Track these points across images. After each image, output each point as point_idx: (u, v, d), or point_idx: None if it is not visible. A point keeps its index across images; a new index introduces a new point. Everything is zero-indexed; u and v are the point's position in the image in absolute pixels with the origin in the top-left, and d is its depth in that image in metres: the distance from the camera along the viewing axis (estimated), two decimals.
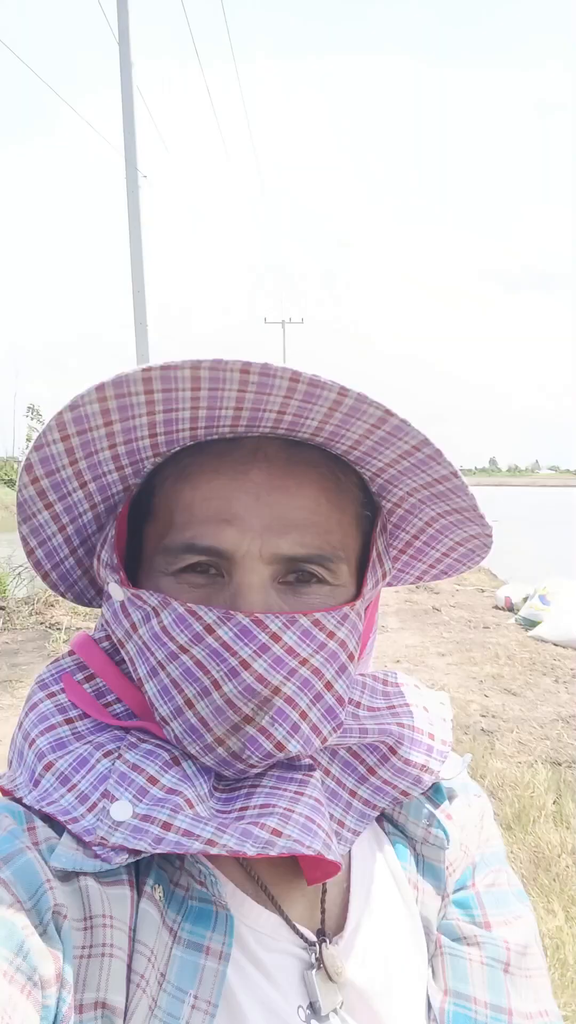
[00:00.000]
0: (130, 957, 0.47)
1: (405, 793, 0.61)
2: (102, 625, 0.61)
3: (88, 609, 7.58)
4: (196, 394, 0.47)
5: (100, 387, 0.45)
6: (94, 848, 0.48)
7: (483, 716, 4.62)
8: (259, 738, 0.51)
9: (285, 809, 0.51)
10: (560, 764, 3.95)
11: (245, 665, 0.51)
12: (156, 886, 0.50)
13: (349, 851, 0.60)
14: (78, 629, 6.93)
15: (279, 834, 0.49)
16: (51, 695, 0.57)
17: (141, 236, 11.14)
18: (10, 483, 36.60)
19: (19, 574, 9.01)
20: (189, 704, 0.52)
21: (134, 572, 0.60)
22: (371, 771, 0.60)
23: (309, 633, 0.53)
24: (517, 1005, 0.57)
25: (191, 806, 0.50)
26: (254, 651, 0.51)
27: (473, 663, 5.81)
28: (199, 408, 0.49)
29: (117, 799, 0.49)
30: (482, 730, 4.32)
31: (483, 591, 9.13)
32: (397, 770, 0.60)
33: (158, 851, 0.47)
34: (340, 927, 0.57)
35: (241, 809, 0.52)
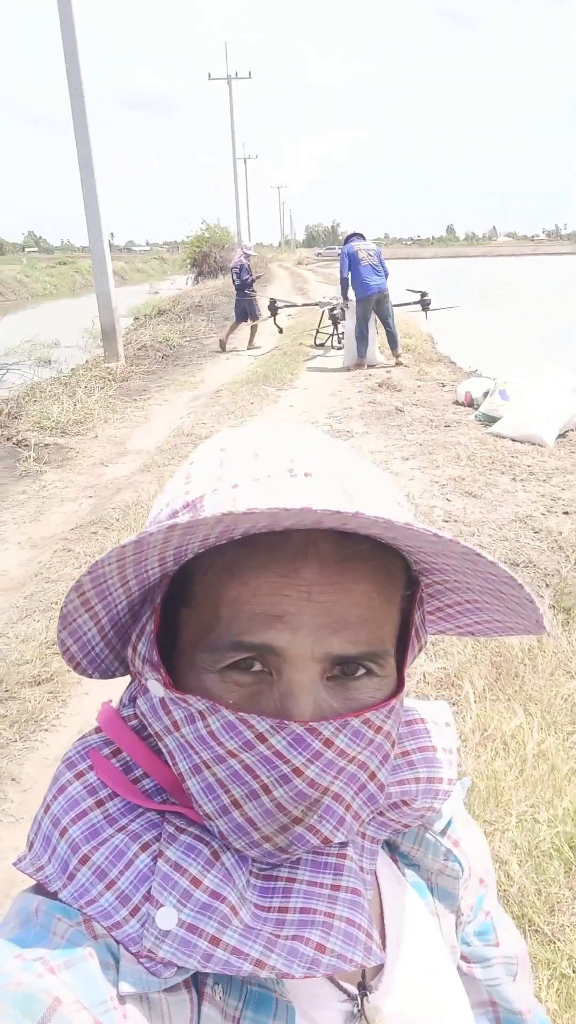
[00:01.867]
0: None
1: (406, 825, 0.64)
2: (128, 701, 0.61)
3: (56, 423, 7.58)
4: (261, 519, 0.46)
5: (172, 527, 0.45)
6: (141, 961, 0.49)
7: (446, 522, 4.87)
8: (307, 835, 0.52)
9: (326, 915, 0.52)
10: (518, 564, 4.25)
11: (298, 772, 0.50)
12: (216, 986, 0.52)
13: (378, 888, 0.63)
14: (46, 446, 6.96)
15: (323, 949, 0.50)
16: (79, 775, 0.56)
17: None
18: None
19: None
20: (236, 804, 0.52)
21: (169, 657, 0.58)
22: (380, 813, 0.62)
23: (360, 733, 0.53)
24: (521, 1006, 0.69)
25: (236, 913, 0.50)
26: (307, 759, 0.50)
27: (435, 466, 6.01)
28: (260, 523, 0.47)
29: (162, 904, 0.49)
30: None
31: (443, 385, 9.20)
32: (404, 815, 0.63)
33: (207, 970, 0.48)
34: (379, 968, 0.60)
35: (280, 910, 0.52)
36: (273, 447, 0.55)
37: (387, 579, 0.55)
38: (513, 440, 6.59)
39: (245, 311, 13.35)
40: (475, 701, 2.88)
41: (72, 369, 11.33)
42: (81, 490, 6.04)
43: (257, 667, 0.53)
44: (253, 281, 13.32)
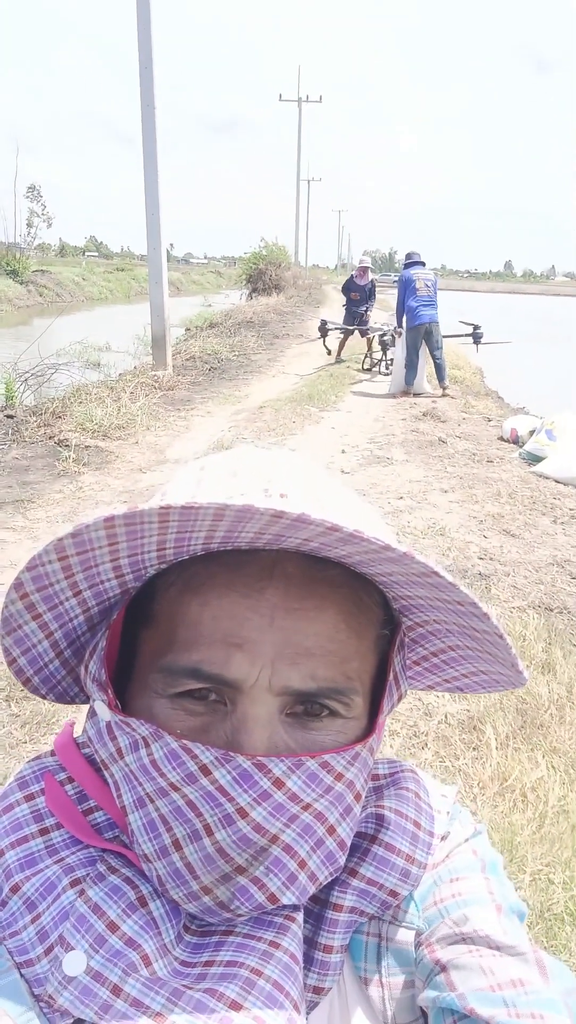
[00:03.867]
0: None
1: (394, 893, 0.55)
2: (86, 733, 0.57)
3: (99, 426, 7.64)
4: (216, 524, 0.44)
5: (109, 519, 0.41)
6: (40, 1005, 0.46)
7: (481, 559, 4.78)
8: (251, 888, 0.47)
9: (252, 971, 0.46)
10: (552, 610, 4.14)
11: (242, 813, 0.46)
12: None
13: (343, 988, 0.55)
14: (87, 448, 7.00)
15: (238, 1008, 0.44)
16: (29, 797, 0.54)
17: (150, 7, 10.07)
18: (12, 273, 35.19)
19: (25, 380, 8.94)
20: (177, 846, 0.48)
21: (124, 680, 0.55)
22: (353, 873, 0.54)
23: (316, 776, 0.49)
24: None
25: (148, 963, 0.46)
26: (253, 799, 0.47)
27: (475, 501, 5.92)
28: (216, 532, 0.45)
29: (72, 948, 0.46)
30: (479, 574, 4.49)
31: (489, 420, 9.11)
32: (380, 861, 0.55)
33: (103, 1022, 0.44)
34: None
35: (206, 964, 0.47)
36: (253, 468, 0.52)
37: (357, 610, 0.52)
38: (557, 481, 6.48)
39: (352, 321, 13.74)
40: (497, 748, 2.79)
41: (120, 374, 11.41)
42: (116, 494, 6.05)
43: (213, 697, 0.50)
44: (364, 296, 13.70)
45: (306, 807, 0.48)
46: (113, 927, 0.47)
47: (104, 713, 0.52)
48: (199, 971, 0.47)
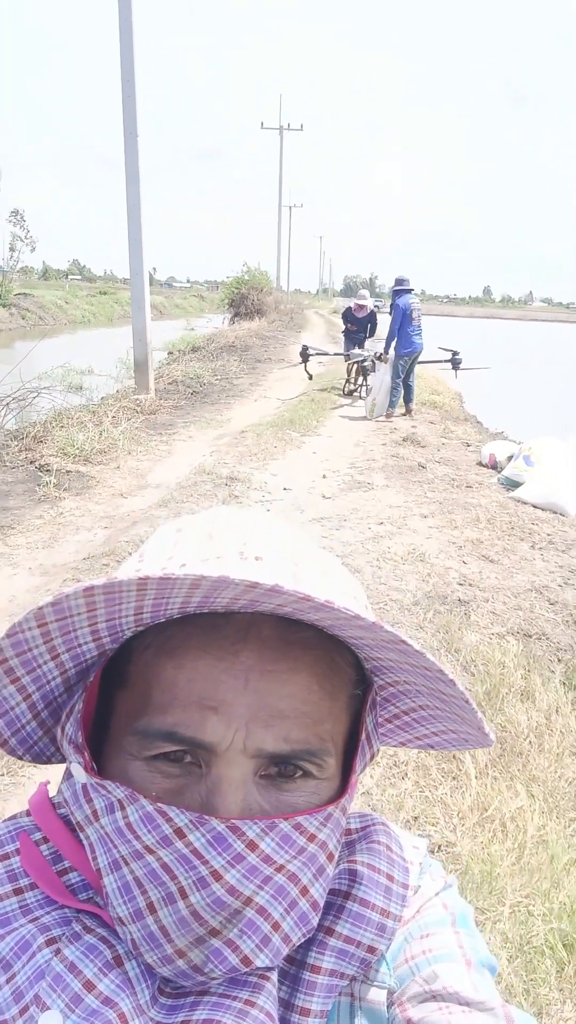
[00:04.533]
0: None
1: (372, 949, 0.55)
2: (60, 792, 0.57)
3: (80, 451, 7.62)
4: (193, 592, 0.45)
5: (88, 589, 0.42)
6: None
7: (460, 585, 4.80)
8: (224, 951, 0.47)
9: None
10: (531, 636, 4.17)
11: (216, 876, 0.47)
12: None
13: None
14: (68, 472, 6.98)
15: None
16: (3, 857, 0.55)
17: (132, 29, 10.20)
18: None
19: (7, 405, 8.91)
20: (151, 909, 0.48)
21: (100, 741, 0.56)
22: (330, 931, 0.55)
23: (288, 838, 0.49)
24: None
25: (124, 1022, 0.46)
26: (228, 861, 0.47)
27: (454, 526, 5.96)
28: (192, 599, 0.46)
29: (48, 1007, 0.46)
30: (459, 600, 4.50)
31: (468, 445, 9.19)
32: (356, 917, 0.55)
33: None
34: None
35: (183, 1023, 0.48)
36: (229, 530, 0.53)
37: (331, 672, 0.53)
38: (534, 507, 6.53)
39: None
40: (476, 777, 2.79)
41: (102, 398, 11.41)
42: (97, 520, 6.03)
43: (188, 759, 0.50)
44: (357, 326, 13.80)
45: (279, 868, 0.49)
46: (90, 986, 0.47)
47: (80, 775, 0.52)
48: None
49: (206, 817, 0.48)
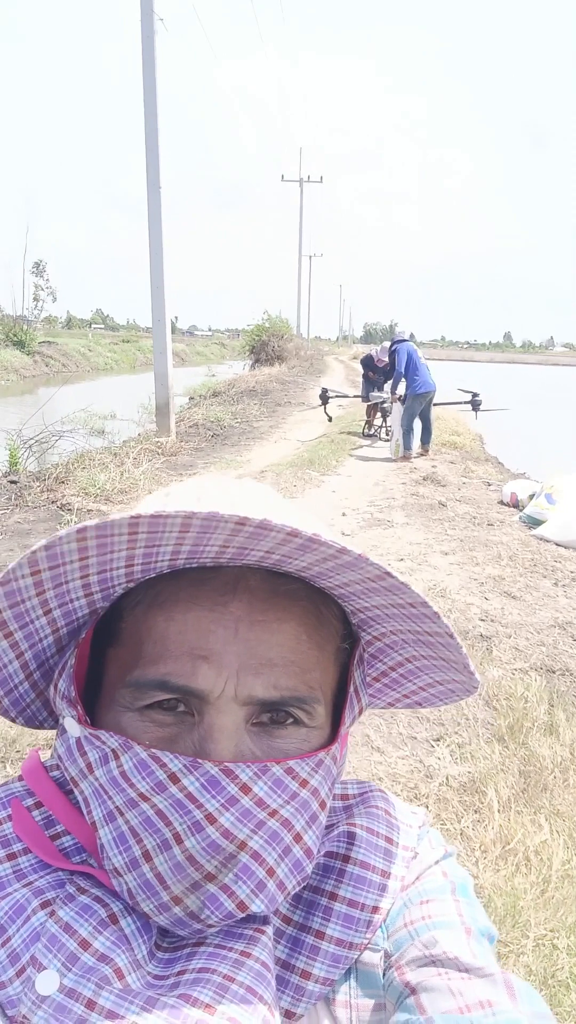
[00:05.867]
0: None
1: (376, 910, 0.55)
2: (54, 752, 0.58)
3: (101, 490, 7.69)
4: (184, 535, 0.45)
5: (82, 530, 0.42)
6: None
7: (482, 620, 4.75)
8: (220, 896, 0.47)
9: (224, 977, 0.46)
10: (554, 672, 4.10)
11: (211, 819, 0.47)
12: None
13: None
14: (89, 511, 7.04)
15: (212, 1011, 0.44)
16: None
17: (156, 86, 10.56)
18: (19, 344, 35.95)
19: (29, 447, 9.05)
20: (147, 857, 0.48)
21: (92, 700, 0.56)
22: (333, 896, 0.55)
23: (281, 782, 0.50)
24: None
25: (120, 977, 0.46)
26: (221, 804, 0.47)
27: (475, 563, 5.91)
28: (183, 545, 0.47)
29: (45, 967, 0.46)
30: (481, 635, 4.46)
31: (489, 484, 9.16)
32: (357, 880, 0.56)
33: None
34: None
35: (179, 974, 0.48)
36: (217, 494, 0.54)
37: (318, 622, 0.54)
38: (557, 544, 6.47)
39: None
40: (499, 810, 2.73)
41: (124, 441, 11.56)
42: None
43: (180, 708, 0.51)
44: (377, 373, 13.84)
45: (272, 813, 0.49)
46: (85, 944, 0.47)
47: (74, 729, 0.53)
48: (172, 980, 0.48)
49: (200, 761, 0.48)
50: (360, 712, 0.60)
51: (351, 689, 0.58)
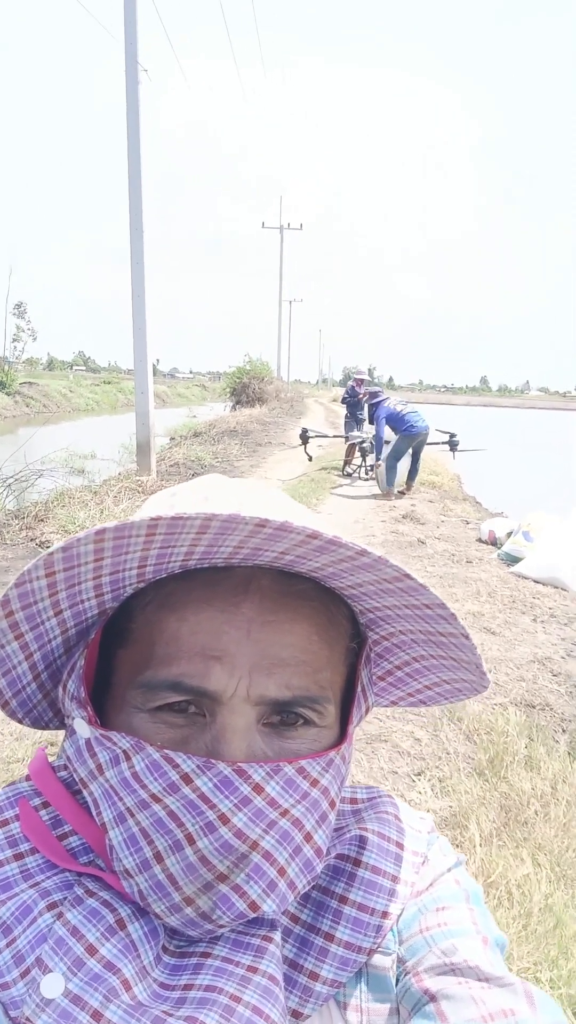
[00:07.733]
0: None
1: (386, 915, 0.55)
2: (62, 753, 0.57)
3: (81, 527, 7.66)
4: (200, 537, 0.45)
5: (100, 531, 0.42)
6: None
7: None
8: (232, 897, 0.47)
9: (231, 997, 0.46)
10: (534, 707, 4.10)
11: (224, 819, 0.47)
12: None
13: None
14: None
15: None
16: (3, 823, 0.55)
17: (139, 132, 10.75)
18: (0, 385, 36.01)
19: (8, 485, 9.01)
20: (158, 858, 0.48)
21: (101, 701, 0.56)
22: (343, 899, 0.55)
23: (293, 782, 0.50)
24: None
25: (128, 988, 0.46)
26: (234, 804, 0.47)
27: (455, 599, 5.93)
28: (198, 547, 0.46)
29: (50, 970, 0.46)
30: None
31: (467, 523, 9.23)
32: (368, 884, 0.56)
33: None
34: None
35: (185, 988, 0.47)
36: (225, 494, 0.55)
37: (328, 622, 0.54)
38: (535, 581, 6.51)
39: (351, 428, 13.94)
40: (480, 844, 2.71)
41: (104, 480, 11.55)
42: None
43: (192, 709, 0.51)
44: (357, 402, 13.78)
45: (284, 813, 0.49)
46: (92, 950, 0.47)
47: (84, 730, 0.53)
48: (179, 995, 0.47)
49: (212, 761, 0.48)
50: (367, 711, 0.60)
51: (359, 688, 0.58)
